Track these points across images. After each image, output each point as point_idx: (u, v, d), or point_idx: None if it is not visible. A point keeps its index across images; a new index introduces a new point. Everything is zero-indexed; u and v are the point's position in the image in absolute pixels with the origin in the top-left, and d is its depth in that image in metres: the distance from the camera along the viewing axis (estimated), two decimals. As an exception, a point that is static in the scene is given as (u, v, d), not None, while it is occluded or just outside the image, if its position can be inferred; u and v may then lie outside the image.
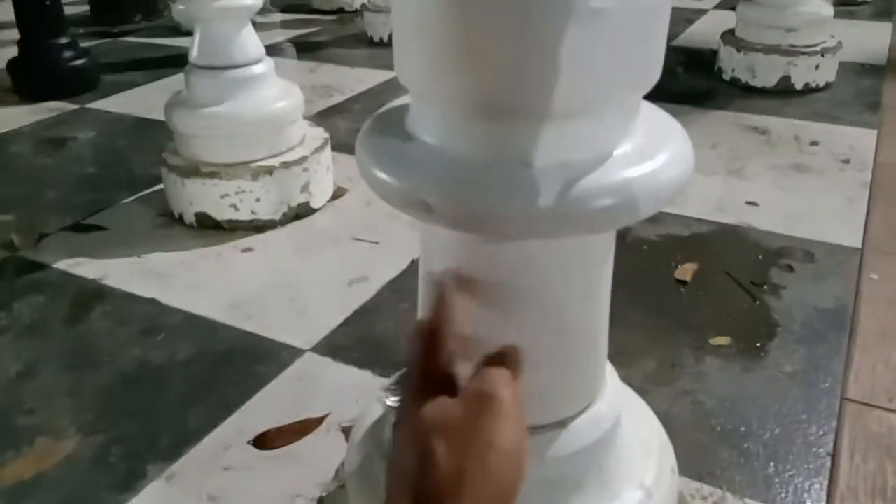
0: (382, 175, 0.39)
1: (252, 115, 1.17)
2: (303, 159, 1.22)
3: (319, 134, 1.31)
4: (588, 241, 0.40)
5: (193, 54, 1.18)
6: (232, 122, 1.17)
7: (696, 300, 1.00)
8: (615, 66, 0.35)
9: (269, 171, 1.18)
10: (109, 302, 1.04)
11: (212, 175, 1.17)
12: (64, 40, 1.86)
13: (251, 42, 1.19)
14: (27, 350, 0.94)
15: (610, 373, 0.50)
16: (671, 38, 2.21)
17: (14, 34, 1.88)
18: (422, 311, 0.47)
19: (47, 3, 1.80)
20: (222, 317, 0.99)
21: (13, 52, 1.88)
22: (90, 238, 1.21)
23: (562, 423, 0.45)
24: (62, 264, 1.13)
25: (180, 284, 1.07)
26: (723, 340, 0.92)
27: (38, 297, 1.06)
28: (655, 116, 0.41)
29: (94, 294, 1.06)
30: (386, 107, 0.44)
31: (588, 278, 0.42)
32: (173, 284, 1.07)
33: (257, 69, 1.19)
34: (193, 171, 1.18)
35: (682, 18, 2.45)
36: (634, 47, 0.35)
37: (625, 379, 0.54)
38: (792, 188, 1.31)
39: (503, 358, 0.34)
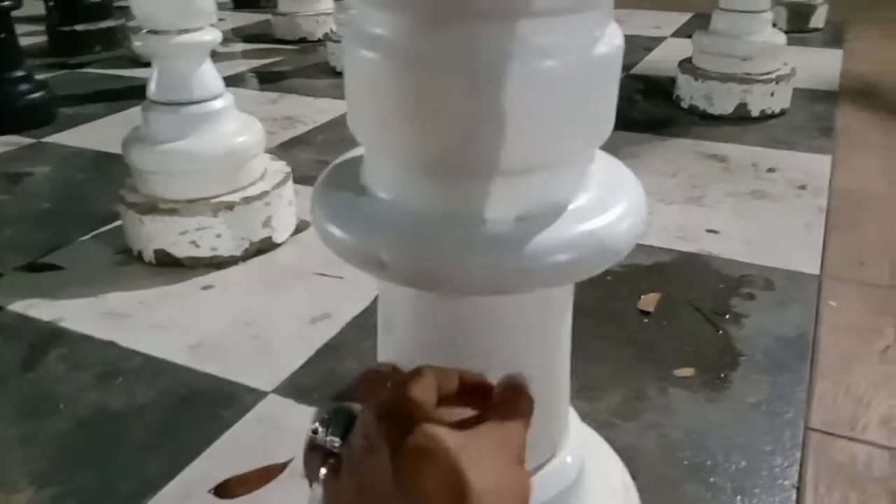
0: (335, 230, 0.38)
1: (212, 150, 1.16)
2: (264, 194, 1.20)
3: (281, 168, 1.30)
4: (547, 295, 0.40)
5: (151, 90, 1.16)
6: (191, 159, 1.15)
7: (659, 331, 1.01)
8: (567, 124, 0.35)
9: (230, 206, 1.17)
10: (66, 345, 1.01)
11: (171, 212, 1.15)
12: (19, 73, 1.83)
13: (210, 77, 1.18)
14: (-22, 398, 0.91)
15: (573, 418, 0.50)
16: (629, 66, 2.25)
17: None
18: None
19: (2, 35, 1.77)
20: (182, 359, 0.97)
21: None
22: (46, 278, 1.18)
23: (525, 475, 0.44)
24: (16, 306, 1.10)
25: (139, 325, 1.05)
26: (687, 372, 0.92)
27: (-10, 342, 1.02)
28: (609, 166, 0.41)
29: (49, 337, 1.03)
30: (341, 158, 0.43)
31: (548, 330, 0.42)
32: (132, 325, 1.05)
33: (216, 104, 1.18)
34: (152, 208, 1.16)
35: (640, 46, 2.49)
36: (586, 105, 0.35)
37: (590, 412, 0.54)
38: (751, 215, 1.34)
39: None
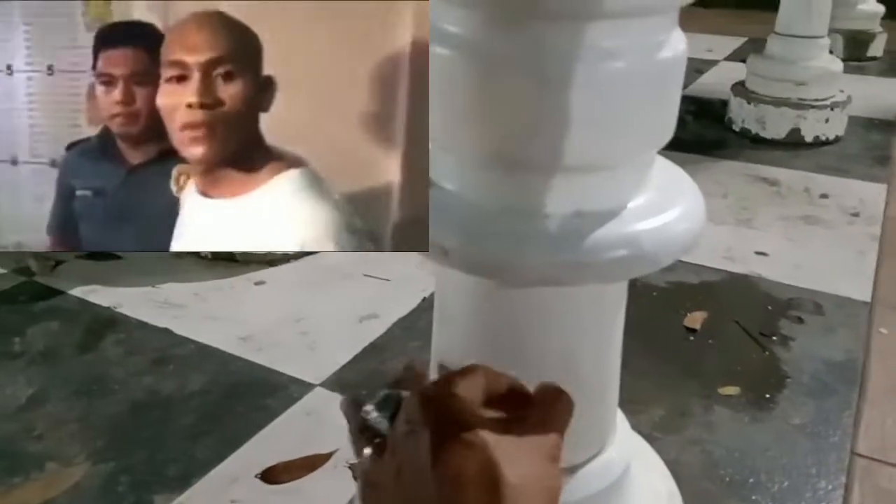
0: (403, 219, 0.40)
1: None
2: (318, 195, 1.23)
3: (335, 171, 1.32)
4: (601, 290, 0.41)
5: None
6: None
7: (705, 349, 1.01)
8: (630, 126, 0.36)
9: (285, 206, 1.20)
10: (122, 330, 1.05)
11: (228, 208, 1.19)
12: None
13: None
14: (39, 376, 0.95)
15: (620, 420, 0.51)
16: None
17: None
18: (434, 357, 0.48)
19: None
20: (233, 349, 1.00)
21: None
22: (105, 266, 1.22)
23: (571, 470, 0.45)
24: (77, 291, 1.15)
25: (193, 315, 1.08)
26: (732, 390, 0.92)
27: (52, 323, 1.07)
28: (669, 170, 0.42)
29: (107, 322, 1.07)
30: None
31: (601, 326, 0.43)
32: (186, 315, 1.08)
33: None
34: (210, 203, 1.20)
35: (692, 69, 2.48)
36: (649, 108, 0.36)
37: (634, 427, 0.55)
38: (801, 239, 1.32)
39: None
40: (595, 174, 0.37)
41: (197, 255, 1.24)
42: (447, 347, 0.46)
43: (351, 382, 0.93)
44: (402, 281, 1.16)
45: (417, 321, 1.06)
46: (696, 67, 2.52)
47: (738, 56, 2.64)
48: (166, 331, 1.04)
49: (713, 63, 2.63)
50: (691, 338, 1.03)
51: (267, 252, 1.21)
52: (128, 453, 0.82)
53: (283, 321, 1.07)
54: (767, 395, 0.91)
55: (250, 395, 0.91)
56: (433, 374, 0.49)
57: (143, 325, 1.06)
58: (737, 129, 1.89)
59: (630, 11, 0.34)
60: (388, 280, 1.17)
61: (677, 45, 0.37)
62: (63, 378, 0.95)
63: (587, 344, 0.43)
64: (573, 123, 0.35)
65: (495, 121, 0.36)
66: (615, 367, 0.46)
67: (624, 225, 0.37)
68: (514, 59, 0.34)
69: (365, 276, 1.19)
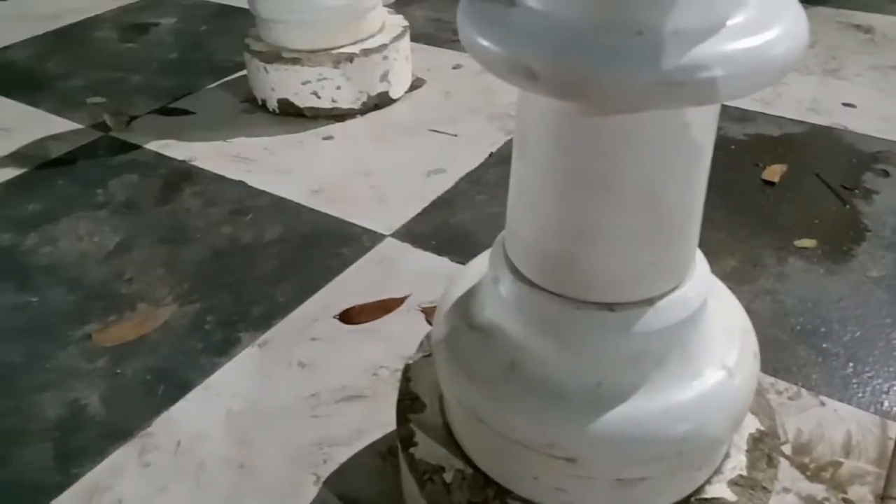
0: (485, 42, 0.38)
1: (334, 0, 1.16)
2: (382, 47, 1.21)
3: (398, 22, 1.29)
4: (691, 116, 0.39)
5: (276, -64, 1.16)
6: (313, 7, 1.16)
7: (782, 202, 0.98)
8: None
9: (350, 58, 1.18)
10: (199, 182, 1.08)
11: (294, 61, 1.18)
12: (145, -76, 1.85)
13: (333, -77, 1.16)
14: (124, 224, 1.00)
15: (699, 259, 0.50)
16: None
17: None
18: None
19: None
20: (306, 201, 1.02)
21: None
22: (177, 121, 1.25)
23: (650, 301, 0.45)
24: (152, 145, 1.18)
25: (265, 168, 1.10)
26: (808, 243, 0.90)
27: (131, 176, 1.10)
28: (773, -13, 0.39)
29: (184, 174, 1.10)
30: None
31: (688, 155, 0.42)
32: (259, 168, 1.10)
33: (340, -47, 1.17)
34: (276, 56, 1.19)
35: None
36: None
37: None
38: (893, 90, 1.24)
39: None
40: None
41: (266, 109, 1.25)
42: (527, 180, 0.45)
43: (420, 234, 0.94)
44: (469, 136, 1.15)
45: (484, 175, 1.06)
46: None
47: None
48: (241, 183, 1.07)
49: None
50: (769, 191, 1.00)
51: (333, 107, 1.20)
52: (213, 295, 0.86)
53: (353, 175, 1.08)
54: (845, 248, 0.89)
55: (325, 244, 0.94)
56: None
57: (218, 178, 1.08)
58: (830, -28, 1.73)
59: None
60: (454, 136, 1.16)
61: None
62: (146, 227, 0.99)
63: (673, 174, 0.42)
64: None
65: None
66: (699, 202, 0.45)
67: (722, 43, 0.35)
68: None
69: (431, 131, 1.18)
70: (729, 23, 0.36)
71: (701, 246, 0.49)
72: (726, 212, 0.95)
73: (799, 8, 0.39)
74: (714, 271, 0.65)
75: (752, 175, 1.03)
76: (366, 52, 1.19)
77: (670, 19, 0.35)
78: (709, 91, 0.35)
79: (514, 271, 0.49)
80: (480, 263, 0.56)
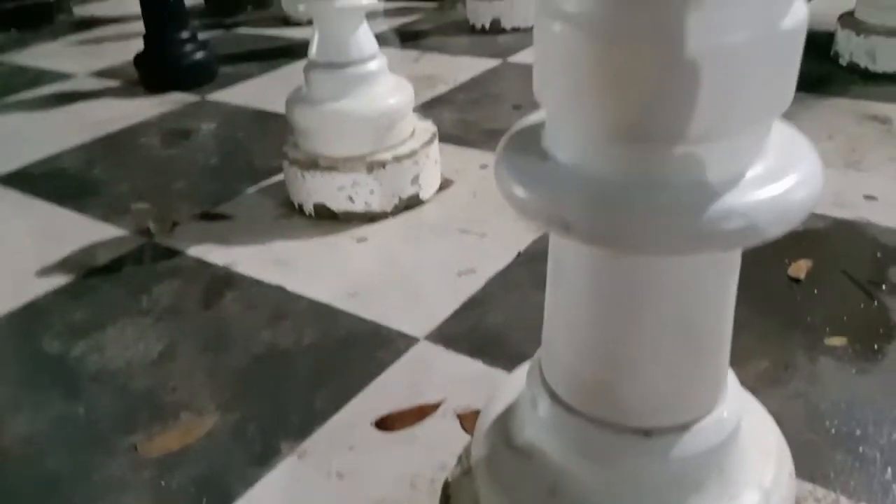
0: (521, 192, 0.42)
1: (368, 111, 1.22)
2: (413, 153, 1.26)
3: (428, 127, 1.35)
4: (718, 256, 0.42)
5: (313, 52, 1.24)
6: (349, 118, 1.22)
7: (810, 299, 0.99)
8: (752, 96, 0.36)
9: (383, 164, 1.24)
10: (239, 287, 1.12)
11: (330, 168, 1.23)
12: (185, 35, 1.98)
13: (366, 39, 1.24)
14: (168, 331, 1.04)
15: (731, 377, 0.52)
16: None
17: (140, 27, 2.01)
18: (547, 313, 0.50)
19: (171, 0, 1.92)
20: (342, 304, 1.05)
21: (138, 44, 2.02)
22: (218, 226, 1.30)
23: (686, 426, 0.47)
24: (194, 251, 1.23)
25: (302, 272, 1.14)
26: (838, 341, 0.91)
27: (174, 282, 1.15)
28: (786, 135, 0.42)
29: (224, 280, 1.14)
30: (520, 124, 0.46)
31: (716, 289, 0.44)
32: (296, 272, 1.14)
33: (372, 66, 1.24)
34: (313, 164, 1.25)
35: None
36: (771, 77, 0.37)
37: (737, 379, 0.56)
38: (915, 181, 1.26)
39: None
40: (716, 144, 0.38)
41: (302, 213, 1.30)
42: (562, 307, 0.48)
43: (454, 336, 0.97)
44: (497, 236, 1.19)
45: (513, 275, 1.09)
46: (798, -3, 2.37)
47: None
48: (279, 288, 1.10)
49: (817, -9, 2.47)
50: (796, 287, 1.01)
51: (366, 210, 1.25)
52: (253, 403, 0.89)
53: (386, 276, 1.11)
54: (876, 346, 0.90)
55: (360, 347, 0.96)
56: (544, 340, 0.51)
57: (257, 283, 1.12)
58: (844, 64, 1.78)
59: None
60: (484, 235, 1.20)
61: (798, 13, 0.37)
62: (189, 333, 1.03)
63: (702, 307, 0.44)
64: (696, 95, 0.35)
65: (616, 94, 0.37)
66: (728, 329, 0.47)
67: (742, 195, 0.38)
68: (636, 34, 0.35)
69: (461, 231, 1.22)
70: (749, 173, 0.39)
71: (731, 347, 0.50)
72: (754, 311, 0.96)
73: (814, 154, 0.42)
74: (744, 374, 0.66)
75: (777, 272, 1.04)
76: (397, 159, 1.24)
77: (692, 173, 0.38)
78: (732, 240, 0.38)
79: (552, 394, 0.51)
80: (518, 378, 0.58)
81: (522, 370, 0.58)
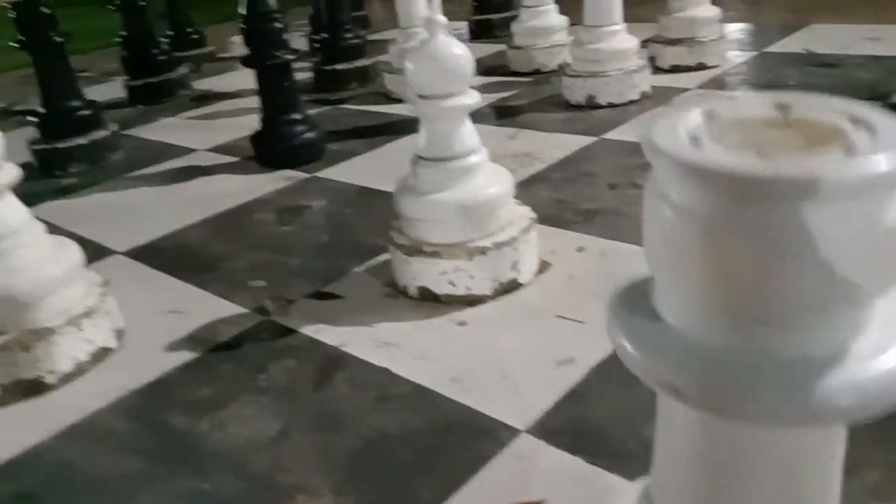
0: (633, 352, 0.46)
1: (470, 201, 1.29)
2: (512, 240, 1.32)
3: (526, 213, 1.40)
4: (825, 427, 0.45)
5: (420, 146, 1.32)
6: (451, 208, 1.29)
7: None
8: (857, 277, 0.39)
9: (483, 251, 1.30)
10: (348, 368, 1.19)
11: (433, 255, 1.30)
12: (298, 116, 2.12)
13: (469, 135, 1.31)
14: (283, 411, 1.11)
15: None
16: (886, 94, 2.09)
17: (252, 102, 2.18)
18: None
19: (285, 84, 2.07)
20: (444, 389, 1.11)
21: (251, 120, 2.18)
22: (329, 306, 1.39)
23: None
24: (307, 330, 1.31)
25: (407, 354, 1.20)
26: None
27: (289, 361, 1.23)
28: (890, 304, 0.45)
29: (335, 360, 1.22)
30: (632, 280, 0.51)
31: (823, 457, 0.46)
32: (401, 354, 1.21)
33: (474, 159, 1.31)
34: (417, 250, 1.32)
35: (900, 68, 2.30)
36: (875, 262, 0.40)
37: (844, 492, 0.57)
38: None
39: None
40: (821, 320, 0.41)
41: (406, 294, 1.37)
42: (668, 463, 0.51)
43: (555, 430, 1.00)
44: (595, 323, 1.22)
45: (612, 368, 1.11)
46: (904, 66, 2.32)
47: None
48: (385, 371, 1.17)
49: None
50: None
51: (467, 294, 1.31)
52: (363, 488, 0.94)
53: (486, 363, 1.16)
54: None
55: (463, 437, 1.01)
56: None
57: (365, 364, 1.19)
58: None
59: (850, 195, 0.37)
60: (581, 322, 1.23)
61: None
62: (303, 414, 1.10)
63: (809, 473, 0.46)
64: (801, 287, 0.39)
65: (722, 280, 0.40)
66: (837, 490, 0.49)
67: (850, 371, 0.40)
68: (743, 231, 0.39)
69: (558, 317, 1.26)
70: (853, 349, 0.42)
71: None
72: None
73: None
74: (854, 486, 0.67)
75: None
76: (497, 246, 1.30)
77: (798, 348, 0.41)
78: (838, 415, 0.41)
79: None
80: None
81: (628, 500, 0.61)
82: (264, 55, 2.01)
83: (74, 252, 1.30)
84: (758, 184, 0.38)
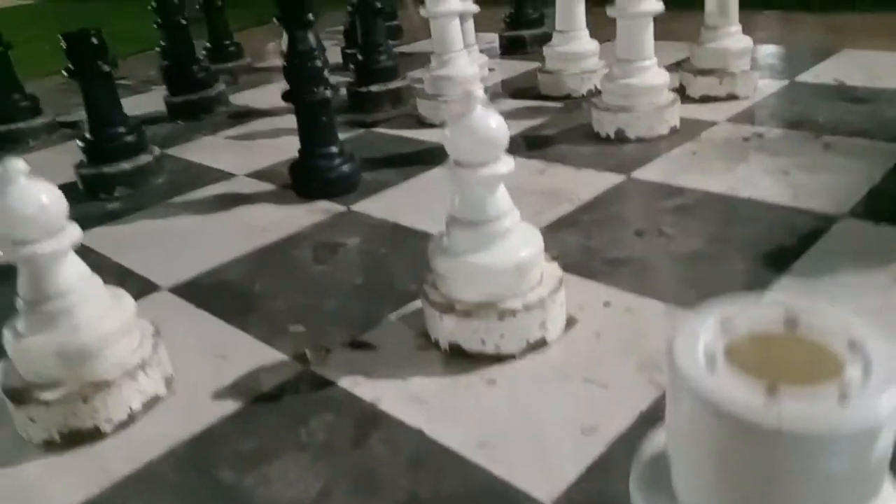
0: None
1: (501, 263, 1.35)
2: (541, 301, 1.38)
3: (555, 272, 1.46)
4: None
5: (455, 208, 1.39)
6: (484, 270, 1.36)
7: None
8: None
9: (513, 312, 1.36)
10: (383, 427, 1.26)
11: (465, 314, 1.37)
12: (334, 149, 2.19)
13: (502, 200, 1.37)
14: (324, 469, 1.19)
15: None
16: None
17: (288, 122, 2.25)
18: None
19: (323, 119, 2.14)
20: (474, 454, 1.17)
21: (288, 142, 2.26)
22: (365, 357, 1.46)
23: None
24: (344, 382, 1.38)
25: (438, 414, 1.27)
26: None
27: (328, 415, 1.31)
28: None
29: (371, 417, 1.29)
30: (651, 450, 0.57)
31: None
32: (433, 413, 1.27)
33: (506, 222, 1.37)
34: (449, 308, 1.39)
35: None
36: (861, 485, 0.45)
37: None
38: None
39: None
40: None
41: (437, 347, 1.44)
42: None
43: (580, 503, 1.06)
44: (619, 388, 1.27)
45: (635, 439, 1.16)
46: (936, 104, 2.32)
47: None
48: (419, 432, 1.24)
49: (957, 95, 2.41)
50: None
51: (496, 352, 1.37)
52: (399, 556, 1.02)
53: (514, 426, 1.22)
54: None
55: (492, 506, 1.08)
56: None
57: (399, 424, 1.26)
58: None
59: (846, 438, 0.43)
60: (605, 386, 1.29)
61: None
62: (341, 473, 1.18)
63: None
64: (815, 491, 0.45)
65: (730, 485, 0.47)
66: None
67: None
68: (748, 453, 0.45)
69: (584, 380, 1.31)
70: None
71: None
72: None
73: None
74: None
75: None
76: (527, 308, 1.36)
77: None
78: None
79: None
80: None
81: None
82: (304, 92, 2.07)
83: (128, 303, 1.39)
84: (762, 429, 0.44)
